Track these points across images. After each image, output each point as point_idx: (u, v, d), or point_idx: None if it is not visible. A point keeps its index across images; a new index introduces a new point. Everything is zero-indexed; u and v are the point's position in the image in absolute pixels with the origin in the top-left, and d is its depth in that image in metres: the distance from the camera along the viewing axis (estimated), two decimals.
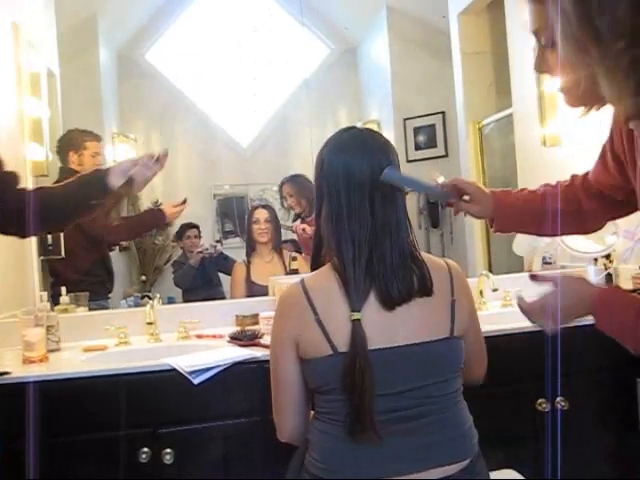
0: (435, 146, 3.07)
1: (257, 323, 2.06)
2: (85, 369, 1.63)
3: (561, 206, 1.22)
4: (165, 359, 1.64)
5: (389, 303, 1.05)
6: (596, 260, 2.36)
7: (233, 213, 2.94)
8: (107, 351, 1.91)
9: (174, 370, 1.58)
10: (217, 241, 2.81)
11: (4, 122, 2.09)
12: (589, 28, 0.69)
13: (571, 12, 0.70)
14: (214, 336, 2.00)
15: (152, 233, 2.78)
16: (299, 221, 2.74)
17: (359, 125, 2.85)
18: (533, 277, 1.02)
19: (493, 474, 1.22)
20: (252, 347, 1.76)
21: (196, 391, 1.57)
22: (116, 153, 2.73)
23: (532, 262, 2.58)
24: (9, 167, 1.43)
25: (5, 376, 1.54)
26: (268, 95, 3.04)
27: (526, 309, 0.99)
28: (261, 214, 2.64)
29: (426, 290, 1.07)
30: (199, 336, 2.02)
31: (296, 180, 2.77)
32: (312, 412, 1.15)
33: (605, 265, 2.33)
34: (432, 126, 3.09)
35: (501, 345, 1.67)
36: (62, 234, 2.24)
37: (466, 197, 1.30)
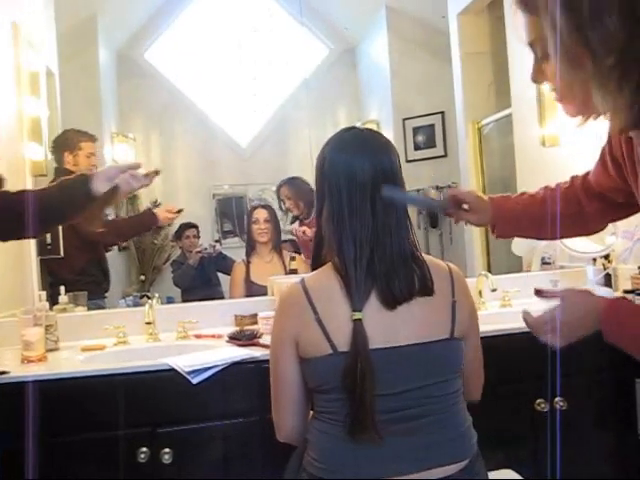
0: (434, 146, 3.07)
1: (256, 323, 2.06)
2: (84, 369, 1.63)
3: (562, 209, 1.22)
4: (164, 359, 1.64)
5: (391, 302, 1.05)
6: (595, 260, 2.36)
7: (232, 213, 2.94)
8: (106, 351, 1.91)
9: (173, 370, 1.58)
10: (216, 241, 2.81)
11: (3, 121, 2.08)
12: (582, 43, 0.71)
13: (563, 26, 0.71)
14: (213, 336, 2.00)
15: (151, 233, 2.78)
16: (297, 223, 2.74)
17: (358, 125, 2.86)
18: (538, 292, 1.02)
19: (492, 474, 1.22)
20: (251, 347, 1.76)
21: (195, 391, 1.57)
22: (115, 153, 2.73)
23: (531, 262, 2.58)
24: (8, 167, 1.42)
25: (4, 375, 1.54)
26: (267, 95, 3.03)
27: (532, 324, 0.99)
28: (261, 214, 2.64)
29: (427, 289, 1.08)
30: (198, 336, 2.02)
31: (293, 183, 2.77)
32: (311, 412, 1.15)
33: (604, 265, 2.33)
34: (431, 126, 3.09)
35: (500, 345, 1.67)
36: (61, 234, 2.23)
37: (465, 206, 1.30)
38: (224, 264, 2.68)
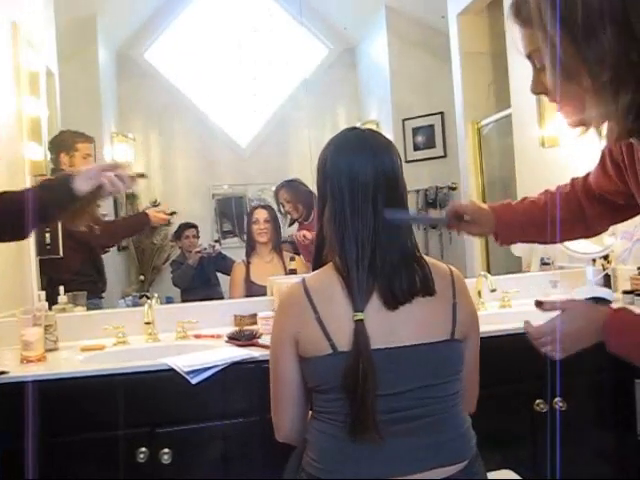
0: (434, 146, 3.07)
1: (255, 323, 2.06)
2: (83, 369, 1.64)
3: (564, 214, 1.22)
4: (163, 359, 1.64)
5: (392, 302, 1.05)
6: (594, 261, 2.36)
7: (232, 213, 2.94)
8: (105, 351, 1.91)
9: (172, 370, 1.58)
10: (216, 241, 2.81)
11: (3, 121, 2.08)
12: (578, 58, 0.72)
13: (558, 41, 0.72)
14: (212, 336, 2.00)
15: (150, 233, 2.78)
16: (297, 227, 2.74)
17: (358, 125, 2.85)
18: (538, 305, 1.02)
19: (491, 474, 1.22)
20: (250, 347, 1.76)
21: (194, 391, 1.57)
22: (115, 153, 2.73)
23: (530, 263, 2.58)
24: (8, 167, 1.42)
25: (3, 376, 1.54)
26: (267, 95, 3.03)
27: (532, 334, 0.99)
28: (261, 214, 2.64)
29: (428, 290, 1.08)
30: (197, 336, 2.02)
31: (291, 185, 2.77)
32: (310, 412, 1.15)
33: (603, 266, 2.34)
34: (431, 126, 3.08)
35: (500, 345, 1.67)
36: (60, 233, 2.23)
37: (467, 217, 1.31)
38: (223, 264, 2.68)
